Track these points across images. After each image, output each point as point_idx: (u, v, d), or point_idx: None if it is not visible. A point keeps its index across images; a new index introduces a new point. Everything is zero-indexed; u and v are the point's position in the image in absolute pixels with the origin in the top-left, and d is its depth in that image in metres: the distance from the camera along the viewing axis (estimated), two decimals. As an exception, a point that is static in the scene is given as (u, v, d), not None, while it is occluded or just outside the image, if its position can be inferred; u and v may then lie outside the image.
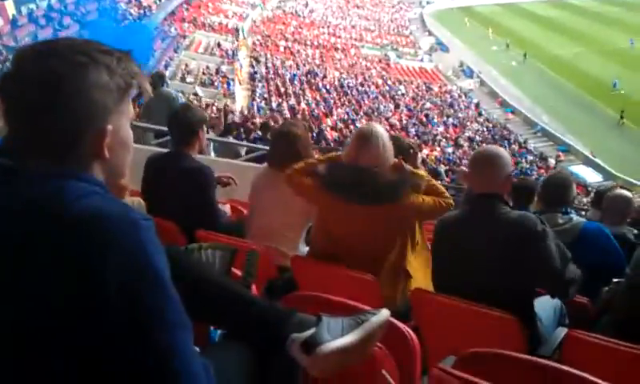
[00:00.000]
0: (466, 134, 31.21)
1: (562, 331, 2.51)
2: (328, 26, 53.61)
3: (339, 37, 51.01)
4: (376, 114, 32.62)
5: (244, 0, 52.35)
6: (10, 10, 23.71)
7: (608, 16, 52.59)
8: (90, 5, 31.65)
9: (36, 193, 1.00)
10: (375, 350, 1.53)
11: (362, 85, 38.17)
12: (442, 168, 16.20)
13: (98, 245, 0.95)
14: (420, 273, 2.88)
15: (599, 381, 1.44)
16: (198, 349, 1.16)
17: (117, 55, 1.13)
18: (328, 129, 28.01)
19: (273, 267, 2.99)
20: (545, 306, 2.66)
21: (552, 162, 28.32)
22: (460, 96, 39.68)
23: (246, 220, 3.52)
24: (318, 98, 33.77)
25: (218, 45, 38.06)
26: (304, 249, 3.28)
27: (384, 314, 1.47)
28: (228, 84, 31.71)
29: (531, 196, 4.15)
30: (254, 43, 42.00)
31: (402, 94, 37.69)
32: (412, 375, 1.75)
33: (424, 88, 40.59)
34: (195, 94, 26.69)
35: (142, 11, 35.29)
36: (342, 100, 34.16)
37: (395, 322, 1.73)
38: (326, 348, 1.35)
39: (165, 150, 4.17)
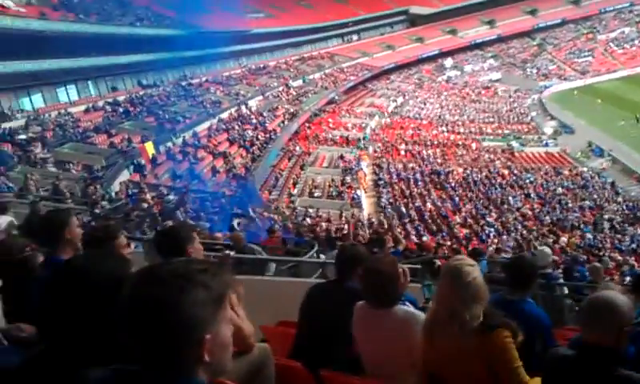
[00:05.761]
0: (605, 216, 29.47)
1: None
2: (446, 125, 54.18)
3: (458, 133, 51.27)
4: (506, 205, 31.91)
5: (362, 111, 54.48)
6: (150, 150, 25.84)
7: None
8: (219, 136, 34.26)
9: None
10: None
11: (487, 178, 37.71)
12: (583, 257, 15.44)
13: None
14: None
15: None
16: None
17: (212, 271, 1.30)
18: (457, 226, 27.77)
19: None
20: None
21: None
22: (593, 177, 37.89)
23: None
24: (443, 196, 33.78)
25: (341, 157, 39.53)
26: None
27: None
28: (354, 194, 32.63)
29: None
30: (375, 151, 43.21)
31: (531, 182, 36.66)
32: None
33: (553, 173, 39.30)
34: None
35: (267, 135, 37.68)
36: (468, 195, 33.86)
37: None
38: None
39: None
